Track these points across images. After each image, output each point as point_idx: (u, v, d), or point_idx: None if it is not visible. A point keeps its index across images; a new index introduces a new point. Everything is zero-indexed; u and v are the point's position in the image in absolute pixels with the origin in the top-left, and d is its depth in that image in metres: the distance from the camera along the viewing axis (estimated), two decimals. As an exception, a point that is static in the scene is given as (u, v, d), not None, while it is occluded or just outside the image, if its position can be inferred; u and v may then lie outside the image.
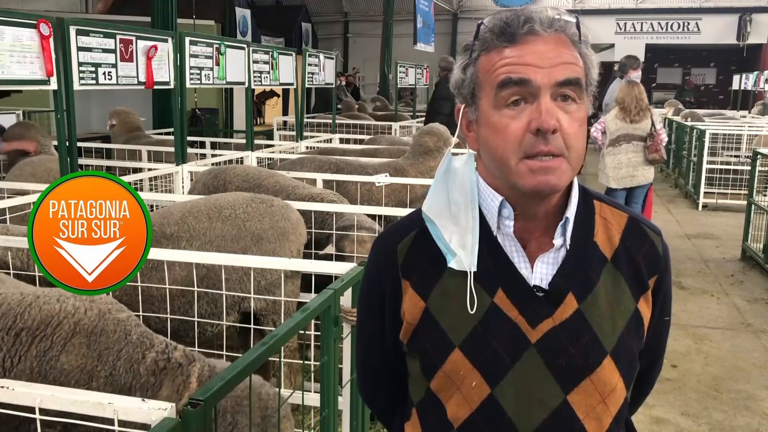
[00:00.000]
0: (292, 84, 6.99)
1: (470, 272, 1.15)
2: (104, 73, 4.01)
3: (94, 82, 3.94)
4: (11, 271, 2.74)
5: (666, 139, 6.17)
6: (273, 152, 6.85)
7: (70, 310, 2.02)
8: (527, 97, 1.09)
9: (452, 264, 1.16)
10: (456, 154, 1.26)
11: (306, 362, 3.07)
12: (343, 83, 15.34)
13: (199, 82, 5.11)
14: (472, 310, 1.14)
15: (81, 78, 3.84)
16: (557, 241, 1.17)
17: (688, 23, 20.98)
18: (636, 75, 7.00)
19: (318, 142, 7.91)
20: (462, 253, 1.16)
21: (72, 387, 1.90)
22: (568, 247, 1.17)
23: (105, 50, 4.00)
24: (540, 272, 1.17)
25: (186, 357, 2.05)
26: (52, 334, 1.95)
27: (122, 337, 2.01)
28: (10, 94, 6.03)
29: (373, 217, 4.06)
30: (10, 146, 5.33)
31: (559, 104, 1.09)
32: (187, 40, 4.88)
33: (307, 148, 7.24)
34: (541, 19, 1.10)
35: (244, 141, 6.64)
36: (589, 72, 1.14)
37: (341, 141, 8.39)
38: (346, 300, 2.29)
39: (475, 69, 1.15)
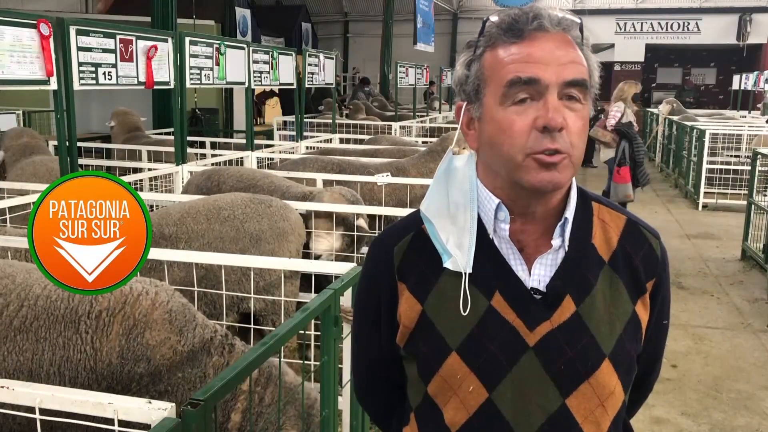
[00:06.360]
0: (292, 84, 6.98)
1: (465, 273, 1.14)
2: (104, 73, 4.01)
3: (94, 82, 3.94)
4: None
5: None
6: (273, 152, 6.85)
7: (140, 289, 2.04)
8: (534, 94, 1.08)
9: (447, 264, 1.15)
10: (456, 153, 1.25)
11: (306, 362, 3.07)
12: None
13: (199, 82, 5.11)
14: (465, 311, 1.13)
15: (81, 78, 3.84)
16: (556, 241, 1.15)
17: (688, 23, 20.95)
18: None
19: (318, 142, 7.92)
20: (458, 254, 1.14)
21: (157, 362, 1.94)
22: (566, 248, 1.16)
23: (105, 50, 4.00)
24: (538, 274, 1.15)
25: (243, 344, 2.15)
26: (133, 311, 1.97)
27: (191, 318, 2.06)
28: None
29: (373, 217, 4.06)
30: None
31: (564, 103, 1.08)
32: (187, 40, 4.88)
33: (307, 148, 7.24)
34: (550, 16, 1.10)
35: (244, 141, 6.64)
36: (592, 74, 1.14)
37: (341, 141, 8.39)
38: (346, 300, 2.29)
39: (480, 65, 1.13)
